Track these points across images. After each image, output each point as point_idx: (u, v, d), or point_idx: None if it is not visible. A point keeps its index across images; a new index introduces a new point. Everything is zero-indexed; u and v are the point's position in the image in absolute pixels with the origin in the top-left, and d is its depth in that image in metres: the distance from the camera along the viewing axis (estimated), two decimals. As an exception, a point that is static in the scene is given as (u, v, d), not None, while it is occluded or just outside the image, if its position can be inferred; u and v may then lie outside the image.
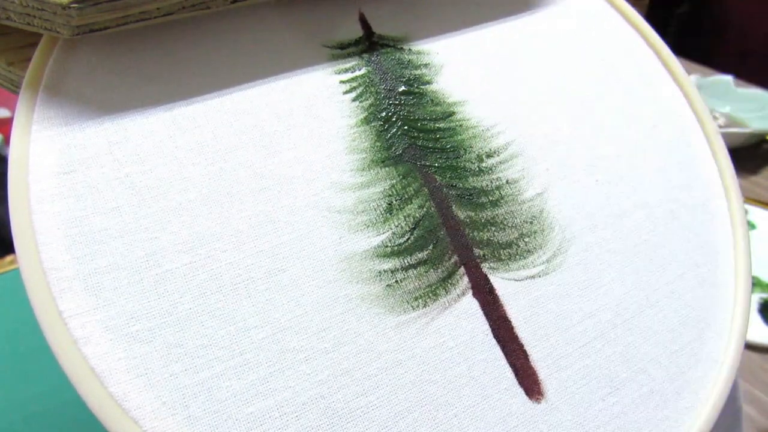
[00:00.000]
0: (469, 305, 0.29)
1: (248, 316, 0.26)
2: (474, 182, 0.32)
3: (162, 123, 0.29)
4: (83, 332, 0.24)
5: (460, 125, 0.33)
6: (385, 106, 0.32)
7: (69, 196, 0.26)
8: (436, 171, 0.32)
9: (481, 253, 0.31)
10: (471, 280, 0.30)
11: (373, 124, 0.32)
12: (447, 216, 0.31)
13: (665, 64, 0.39)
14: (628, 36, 0.40)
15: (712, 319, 0.33)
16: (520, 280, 0.31)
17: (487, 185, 0.32)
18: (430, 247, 0.30)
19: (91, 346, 0.24)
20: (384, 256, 0.29)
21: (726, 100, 1.04)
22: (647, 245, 0.34)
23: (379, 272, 0.29)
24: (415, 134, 0.32)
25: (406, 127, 0.32)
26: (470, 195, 0.32)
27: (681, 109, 0.38)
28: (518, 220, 0.32)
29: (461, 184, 0.32)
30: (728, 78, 1.07)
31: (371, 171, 0.31)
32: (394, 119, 0.32)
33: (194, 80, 0.30)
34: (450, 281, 0.29)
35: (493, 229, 0.31)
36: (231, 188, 0.28)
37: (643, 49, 0.39)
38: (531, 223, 0.32)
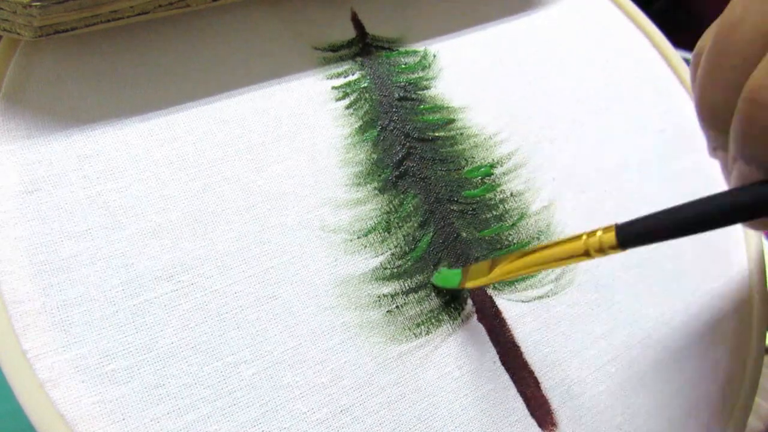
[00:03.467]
0: (475, 330, 0.27)
1: (237, 350, 0.24)
2: (477, 196, 0.30)
3: (138, 134, 0.26)
4: (51, 374, 0.22)
5: (461, 134, 0.31)
6: (380, 114, 0.30)
7: (33, 218, 0.24)
8: (436, 184, 0.29)
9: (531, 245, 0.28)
10: (476, 303, 0.28)
11: (368, 133, 0.29)
12: (448, 234, 0.29)
13: (671, 66, 0.37)
14: (632, 36, 0.38)
15: (728, 335, 0.32)
16: (527, 302, 0.29)
17: (490, 199, 0.30)
18: (432, 269, 0.28)
19: (60, 389, 0.22)
20: (383, 279, 0.27)
21: None
22: (659, 259, 0.32)
23: (379, 297, 0.26)
24: (414, 144, 0.30)
25: (403, 137, 0.30)
26: (473, 210, 0.30)
27: (688, 112, 0.37)
28: (524, 236, 0.30)
29: (463, 199, 0.30)
30: None
31: (367, 186, 0.28)
32: (390, 128, 0.30)
33: (173, 87, 0.27)
34: (454, 305, 0.27)
35: (498, 246, 0.29)
36: (215, 207, 0.26)
37: (648, 50, 0.38)
38: (538, 238, 0.30)
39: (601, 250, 0.21)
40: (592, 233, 0.21)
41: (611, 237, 0.21)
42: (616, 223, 0.21)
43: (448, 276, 0.27)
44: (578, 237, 0.22)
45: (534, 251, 0.23)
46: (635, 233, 0.20)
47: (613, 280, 0.30)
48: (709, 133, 0.22)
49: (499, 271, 0.24)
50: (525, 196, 0.31)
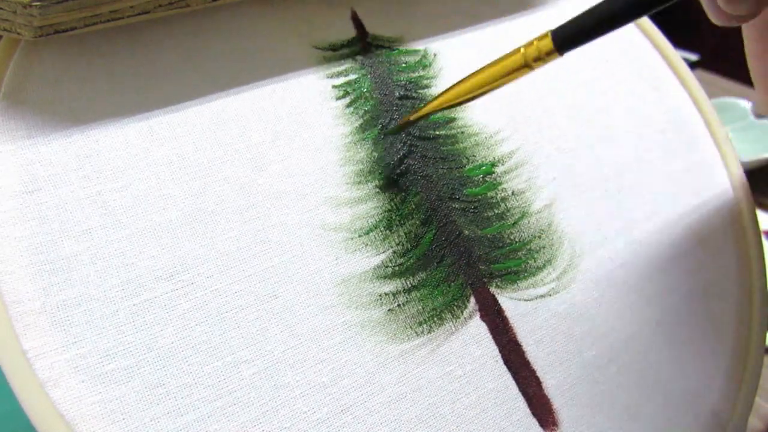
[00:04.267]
0: (477, 329, 0.27)
1: (237, 349, 0.24)
2: (478, 194, 0.30)
3: (137, 134, 0.26)
4: (51, 374, 0.22)
5: (462, 132, 0.31)
6: (381, 112, 0.30)
7: (33, 218, 0.24)
8: (437, 183, 0.29)
9: (488, 271, 0.28)
10: (478, 301, 0.28)
11: (368, 132, 0.29)
12: (450, 232, 0.29)
13: (671, 66, 0.37)
14: (632, 36, 0.38)
15: (729, 335, 0.31)
16: (529, 300, 0.28)
17: (492, 197, 0.30)
18: (434, 267, 0.28)
19: (60, 389, 0.22)
20: (384, 277, 0.27)
21: None
22: (660, 258, 0.32)
23: (380, 295, 0.26)
24: (414, 143, 0.30)
25: (404, 136, 0.30)
26: (475, 208, 0.29)
27: (689, 113, 0.36)
28: (526, 235, 0.30)
29: (465, 197, 0.29)
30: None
31: (368, 184, 0.28)
32: (391, 127, 0.30)
33: (173, 86, 0.27)
34: (456, 303, 0.27)
35: (500, 244, 0.29)
36: (215, 206, 0.26)
37: (648, 50, 0.38)
38: (539, 237, 0.30)
39: (540, 59, 0.22)
40: (529, 43, 0.23)
41: (548, 42, 0.22)
42: (550, 29, 0.22)
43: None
44: (516, 51, 0.23)
45: (475, 73, 0.24)
46: (569, 33, 0.22)
47: (615, 280, 0.30)
48: None
49: (443, 97, 0.26)
50: (526, 195, 0.31)
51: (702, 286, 0.32)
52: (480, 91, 0.25)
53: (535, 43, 0.23)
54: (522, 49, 0.23)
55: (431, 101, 0.27)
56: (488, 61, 0.25)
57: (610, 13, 0.21)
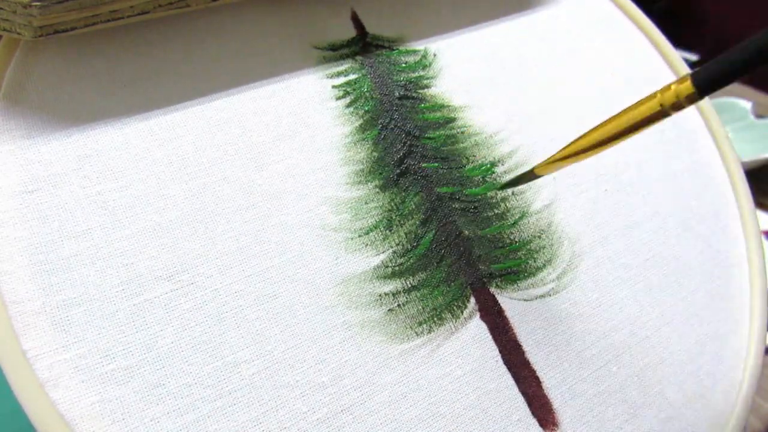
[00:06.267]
0: (477, 329, 0.27)
1: (237, 350, 0.24)
2: (478, 194, 0.30)
3: (137, 134, 0.26)
4: (51, 374, 0.22)
5: (462, 132, 0.31)
6: (381, 112, 0.30)
7: (33, 218, 0.24)
8: (437, 182, 0.29)
9: (488, 271, 0.28)
10: (478, 301, 0.28)
11: (368, 132, 0.29)
12: (450, 232, 0.29)
13: (671, 66, 0.37)
14: (632, 36, 0.38)
15: (728, 335, 0.31)
16: (529, 300, 0.28)
17: (492, 197, 0.30)
18: (434, 267, 0.28)
19: (60, 389, 0.22)
20: (384, 277, 0.27)
21: None
22: (660, 258, 0.32)
23: (380, 295, 0.26)
24: (415, 143, 0.30)
25: (404, 136, 0.30)
26: (475, 208, 0.29)
27: (689, 113, 0.36)
28: (526, 235, 0.30)
29: (465, 197, 0.29)
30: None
31: (368, 184, 0.28)
32: (391, 127, 0.30)
33: (173, 86, 0.27)
34: (456, 303, 0.27)
35: (500, 244, 0.29)
36: (215, 206, 0.26)
37: (648, 50, 0.38)
38: (539, 237, 0.30)
39: (679, 105, 0.20)
40: (666, 88, 0.21)
41: (687, 86, 0.20)
42: (688, 72, 0.20)
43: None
44: (652, 96, 0.21)
45: (607, 123, 0.22)
46: (712, 74, 0.20)
47: (614, 280, 0.30)
48: None
49: (573, 147, 0.23)
50: (526, 195, 0.31)
51: (702, 286, 0.32)
52: (612, 143, 0.23)
53: (672, 87, 0.20)
54: (658, 94, 0.21)
55: (562, 150, 0.24)
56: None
57: (756, 53, 0.19)
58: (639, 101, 0.21)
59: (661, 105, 0.21)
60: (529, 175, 0.25)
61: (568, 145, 0.24)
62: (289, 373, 0.24)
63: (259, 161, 0.27)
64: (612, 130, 0.22)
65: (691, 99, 0.20)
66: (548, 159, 0.25)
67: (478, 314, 0.27)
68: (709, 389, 0.30)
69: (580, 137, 0.24)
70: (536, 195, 0.31)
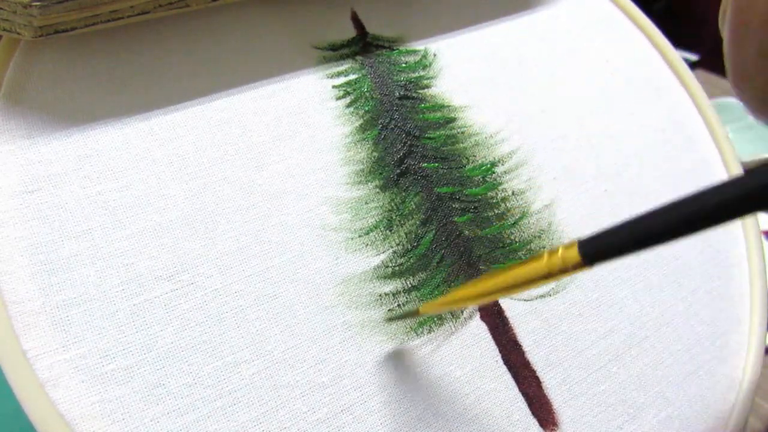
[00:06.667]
0: (477, 329, 0.27)
1: (237, 350, 0.24)
2: (478, 194, 0.30)
3: (138, 134, 0.26)
4: (51, 374, 0.22)
5: (462, 132, 0.31)
6: (381, 112, 0.30)
7: (33, 218, 0.24)
8: (437, 183, 0.29)
9: (488, 271, 0.28)
10: (478, 301, 0.28)
11: (369, 132, 0.29)
12: (450, 232, 0.29)
13: (671, 66, 0.37)
14: (632, 36, 0.38)
15: (728, 335, 0.31)
16: (529, 300, 0.28)
17: (492, 197, 0.30)
18: (434, 267, 0.28)
19: (60, 389, 0.22)
20: (385, 277, 0.27)
21: None
22: (660, 258, 0.32)
23: (380, 296, 0.26)
24: (415, 143, 0.30)
25: (404, 136, 0.30)
26: (475, 208, 0.29)
27: (689, 112, 0.36)
28: (526, 235, 0.30)
29: (465, 197, 0.29)
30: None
31: (369, 184, 0.28)
32: (391, 127, 0.30)
33: (173, 86, 0.27)
34: (456, 304, 0.27)
35: (500, 244, 0.29)
36: (215, 206, 0.26)
37: (648, 50, 0.38)
38: (539, 237, 0.30)
39: (564, 270, 0.19)
40: (554, 252, 0.19)
41: (574, 254, 0.18)
42: (578, 238, 0.19)
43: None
44: (539, 256, 0.20)
45: (491, 277, 0.21)
46: (599, 247, 0.18)
47: (614, 280, 0.30)
48: (743, 96, 0.21)
49: (450, 297, 0.23)
50: (526, 195, 0.31)
51: (702, 286, 0.32)
52: (494, 297, 0.22)
53: (560, 252, 0.19)
54: (545, 256, 0.19)
55: (447, 295, 0.24)
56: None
57: (647, 233, 0.18)
58: (528, 259, 0.20)
59: (548, 268, 0.19)
60: (414, 313, 0.25)
61: (455, 291, 0.23)
62: (289, 373, 0.24)
63: (259, 161, 0.27)
64: (499, 284, 0.21)
65: (578, 266, 0.19)
66: (434, 301, 0.24)
67: (478, 314, 0.27)
68: (709, 389, 0.30)
69: (467, 285, 0.23)
70: (536, 195, 0.31)
